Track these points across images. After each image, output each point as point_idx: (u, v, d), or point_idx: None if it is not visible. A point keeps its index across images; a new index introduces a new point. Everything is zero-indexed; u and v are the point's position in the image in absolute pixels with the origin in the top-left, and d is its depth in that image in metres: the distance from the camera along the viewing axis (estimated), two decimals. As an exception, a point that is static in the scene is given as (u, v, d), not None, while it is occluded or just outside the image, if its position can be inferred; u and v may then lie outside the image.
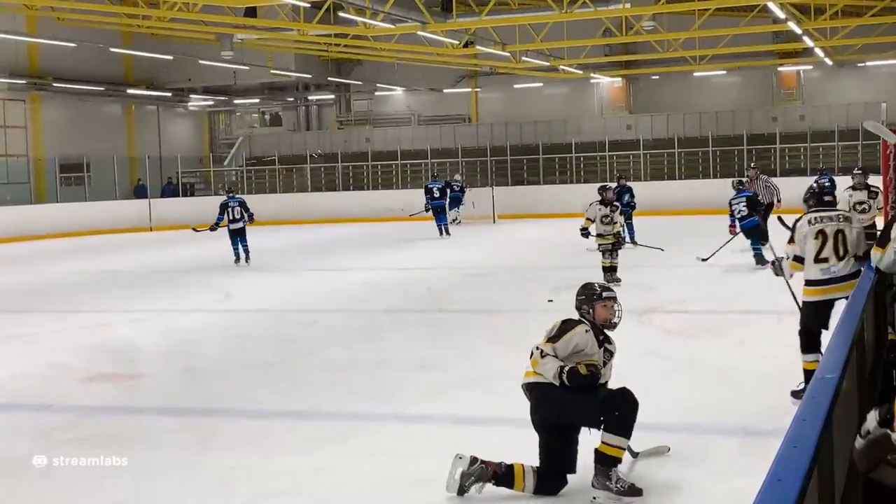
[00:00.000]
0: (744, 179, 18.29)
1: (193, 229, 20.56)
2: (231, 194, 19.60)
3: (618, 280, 13.57)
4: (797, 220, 7.41)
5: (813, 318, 7.17)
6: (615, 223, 14.17)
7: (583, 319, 5.70)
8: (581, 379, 5.42)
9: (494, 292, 14.22)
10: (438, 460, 6.29)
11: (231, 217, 18.68)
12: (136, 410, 7.99)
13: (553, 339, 5.56)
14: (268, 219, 30.52)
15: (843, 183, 16.23)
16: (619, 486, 5.34)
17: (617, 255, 14.12)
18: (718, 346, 9.51)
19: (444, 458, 6.07)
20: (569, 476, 5.50)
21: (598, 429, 5.41)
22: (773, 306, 11.07)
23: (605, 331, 5.75)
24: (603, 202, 14.15)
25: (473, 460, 5.51)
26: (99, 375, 9.34)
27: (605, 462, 5.37)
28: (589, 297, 5.79)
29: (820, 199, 7.49)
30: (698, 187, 29.88)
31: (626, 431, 5.38)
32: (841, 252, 7.06)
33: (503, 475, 5.47)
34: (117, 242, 25.26)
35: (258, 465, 6.27)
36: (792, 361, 7.54)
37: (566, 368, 5.44)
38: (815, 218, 7.24)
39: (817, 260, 7.13)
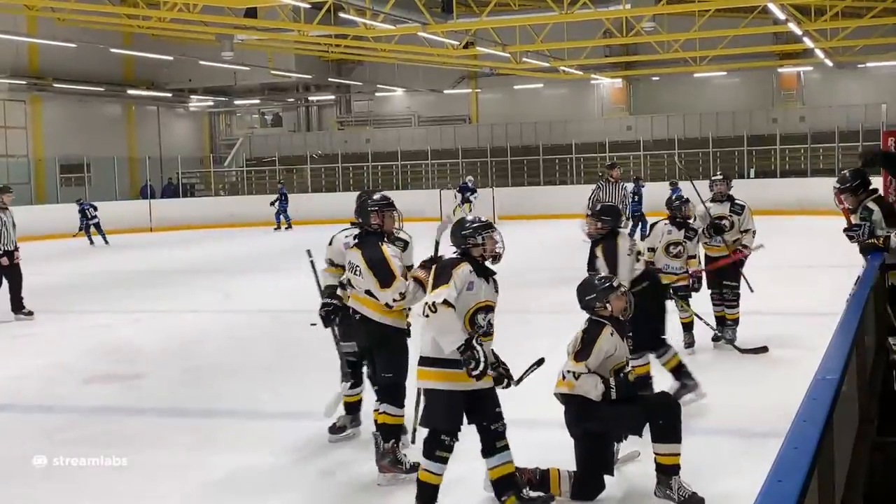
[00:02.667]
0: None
1: (74, 236, 25.91)
2: (80, 200, 26.89)
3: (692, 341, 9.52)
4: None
5: None
6: (690, 257, 9.31)
7: (600, 319, 5.49)
8: (630, 389, 5.36)
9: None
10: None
11: (90, 215, 25.61)
12: (137, 411, 8.00)
13: (581, 355, 5.37)
14: (268, 220, 30.61)
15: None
16: (680, 494, 5.27)
17: (688, 306, 9.32)
18: (718, 348, 9.51)
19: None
20: (607, 480, 5.46)
21: (640, 436, 5.37)
22: (772, 308, 11.08)
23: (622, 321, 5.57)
24: (673, 220, 9.35)
25: None
26: (99, 376, 9.34)
27: (665, 471, 5.31)
28: (602, 291, 5.53)
29: None
30: (698, 188, 29.86)
31: (674, 437, 5.29)
32: None
33: (539, 482, 5.42)
34: (118, 243, 25.27)
35: (259, 465, 6.28)
36: (793, 362, 7.55)
37: (612, 382, 5.31)
38: None
39: None
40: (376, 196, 6.19)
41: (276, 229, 29.46)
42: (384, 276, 5.82)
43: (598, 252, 7.02)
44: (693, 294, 9.30)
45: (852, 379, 4.38)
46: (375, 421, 6.04)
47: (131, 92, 37.02)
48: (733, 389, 7.94)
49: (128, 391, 8.77)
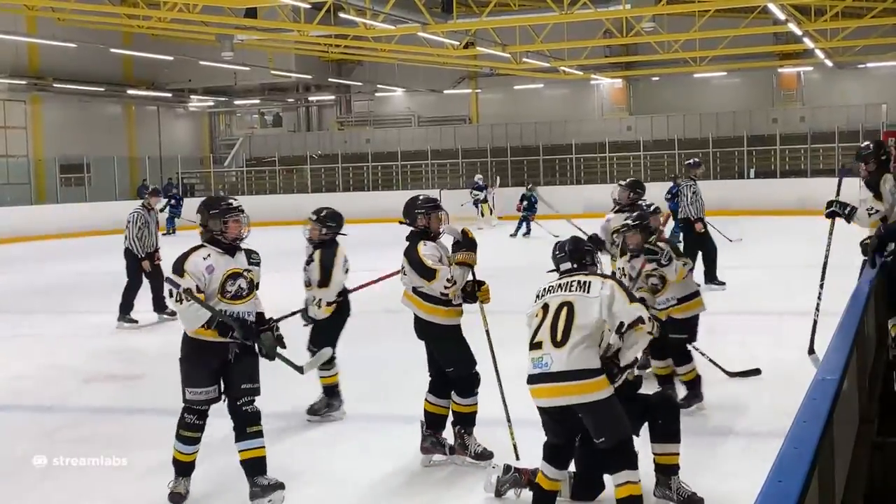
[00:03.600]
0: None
1: None
2: None
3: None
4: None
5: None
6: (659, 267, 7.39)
7: None
8: (628, 388, 5.32)
9: (495, 293, 14.20)
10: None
11: None
12: (137, 411, 8.00)
13: None
14: (267, 220, 30.64)
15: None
16: (679, 494, 5.28)
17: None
18: (718, 347, 9.50)
19: (445, 458, 6.08)
20: (606, 480, 5.40)
21: (637, 435, 5.33)
22: (772, 308, 11.08)
23: None
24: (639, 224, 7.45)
25: (507, 468, 5.52)
26: (99, 376, 9.35)
27: (664, 471, 5.34)
28: None
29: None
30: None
31: (673, 437, 5.32)
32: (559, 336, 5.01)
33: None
34: (118, 243, 25.20)
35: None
36: (792, 362, 7.54)
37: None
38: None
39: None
40: (422, 198, 6.45)
41: (164, 234, 27.70)
42: (424, 273, 6.12)
43: (316, 256, 7.41)
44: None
45: (852, 379, 4.38)
46: (425, 410, 6.33)
47: (131, 92, 37.04)
48: (734, 389, 7.94)
49: (128, 391, 8.77)
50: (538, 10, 28.05)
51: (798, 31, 27.10)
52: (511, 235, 24.14)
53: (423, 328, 6.28)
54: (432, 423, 6.31)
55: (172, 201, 28.62)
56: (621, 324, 4.91)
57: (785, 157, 33.77)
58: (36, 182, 33.36)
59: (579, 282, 5.09)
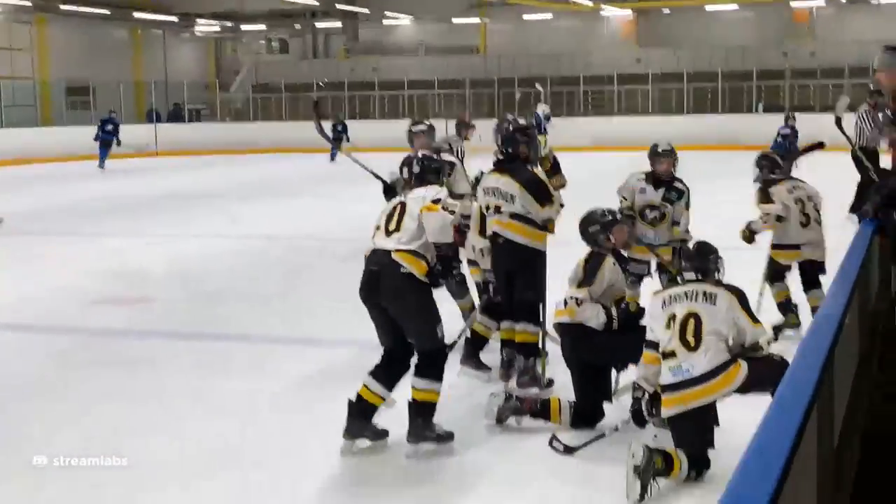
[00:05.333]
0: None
1: None
2: None
3: None
4: None
5: None
6: (674, 223, 7.24)
7: (602, 251, 5.54)
8: (630, 319, 5.40)
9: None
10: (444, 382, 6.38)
11: None
12: (145, 334, 8.06)
13: (585, 282, 5.40)
14: (274, 146, 30.56)
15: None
16: None
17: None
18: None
19: (448, 379, 6.11)
20: (605, 408, 5.48)
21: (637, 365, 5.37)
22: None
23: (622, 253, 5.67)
24: (650, 177, 7.28)
25: (508, 397, 5.57)
26: (108, 298, 9.41)
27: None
28: (604, 225, 5.59)
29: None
30: (706, 122, 29.81)
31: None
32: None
33: (539, 410, 5.47)
34: (123, 166, 25.23)
35: (266, 390, 6.35)
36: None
37: (614, 313, 5.36)
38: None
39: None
40: (522, 126, 6.43)
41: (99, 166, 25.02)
42: (545, 196, 6.07)
43: None
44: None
45: (853, 317, 4.42)
46: (512, 340, 6.22)
47: (137, 15, 36.69)
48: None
49: (136, 314, 8.83)
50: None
51: (812, -35, 26.77)
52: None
53: (519, 254, 6.10)
54: (524, 350, 6.16)
55: (110, 126, 25.31)
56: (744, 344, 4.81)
57: (794, 93, 33.52)
58: (41, 104, 33.21)
59: (705, 292, 4.87)
